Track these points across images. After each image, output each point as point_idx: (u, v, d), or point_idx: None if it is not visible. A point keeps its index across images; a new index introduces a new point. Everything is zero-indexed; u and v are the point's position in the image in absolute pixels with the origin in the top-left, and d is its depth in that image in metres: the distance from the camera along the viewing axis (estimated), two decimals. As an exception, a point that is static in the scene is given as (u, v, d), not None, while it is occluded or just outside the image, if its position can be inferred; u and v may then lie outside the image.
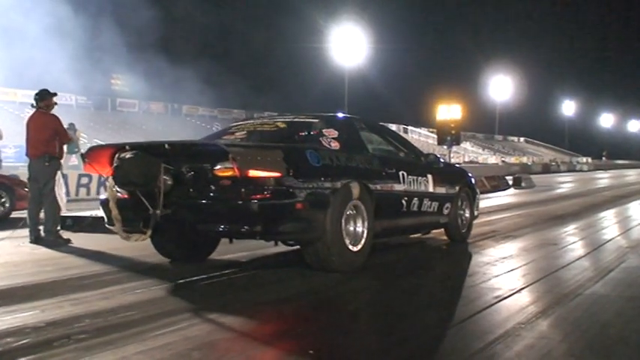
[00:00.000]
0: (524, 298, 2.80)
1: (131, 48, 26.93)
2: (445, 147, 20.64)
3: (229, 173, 2.77)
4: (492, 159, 50.79)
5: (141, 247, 3.49)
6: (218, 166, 2.81)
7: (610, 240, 5.05)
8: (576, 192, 14.69)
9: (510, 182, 16.00)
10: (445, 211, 4.38)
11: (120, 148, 3.05)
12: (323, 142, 3.37)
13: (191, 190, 2.91)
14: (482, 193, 11.02)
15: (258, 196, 2.75)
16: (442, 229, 4.63)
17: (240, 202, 2.76)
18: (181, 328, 2.22)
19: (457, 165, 9.58)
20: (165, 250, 3.58)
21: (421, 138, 50.54)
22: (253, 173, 2.78)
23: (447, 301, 2.80)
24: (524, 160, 52.71)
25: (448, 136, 17.72)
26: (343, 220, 3.15)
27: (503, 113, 64.04)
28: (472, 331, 2.27)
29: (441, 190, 4.33)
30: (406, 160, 4.19)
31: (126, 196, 3.09)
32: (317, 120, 3.63)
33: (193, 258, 3.60)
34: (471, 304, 2.62)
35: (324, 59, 38.16)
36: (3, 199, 6.50)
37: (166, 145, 2.92)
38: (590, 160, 63.13)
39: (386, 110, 52.42)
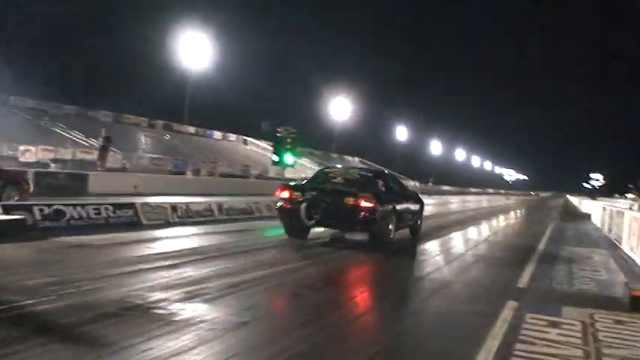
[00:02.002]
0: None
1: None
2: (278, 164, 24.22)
3: (352, 202, 8.02)
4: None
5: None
6: (348, 199, 8.08)
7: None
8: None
9: None
10: (415, 218, 10.24)
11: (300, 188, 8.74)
12: (378, 186, 8.91)
13: (332, 209, 8.04)
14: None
15: (363, 214, 7.90)
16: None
17: (357, 216, 7.91)
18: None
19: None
20: (294, 234, 8.62)
21: (259, 150, 57.25)
22: (363, 204, 7.96)
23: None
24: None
25: (283, 151, 21.61)
26: (391, 223, 8.62)
27: (341, 133, 78.28)
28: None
29: (415, 207, 10.19)
30: (403, 193, 10.00)
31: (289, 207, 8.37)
32: (372, 174, 9.53)
33: (303, 238, 8.64)
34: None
35: (168, 63, 46.22)
36: (13, 192, 9.78)
37: (328, 190, 8.42)
38: (417, 184, 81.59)
39: (229, 119, 60.74)
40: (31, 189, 11.08)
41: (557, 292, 5.89)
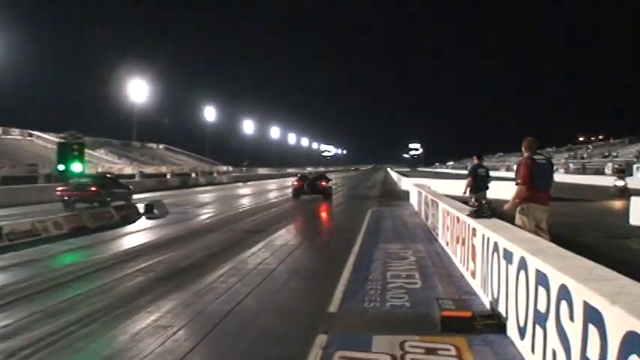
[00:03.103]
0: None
1: None
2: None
3: (325, 183, 27.24)
4: (129, 169, 60.05)
5: None
6: (321, 182, 27.07)
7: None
8: (216, 220, 17.80)
9: (142, 210, 18.73)
10: (328, 189, 28.47)
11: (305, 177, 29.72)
12: (327, 175, 30.30)
13: (311, 186, 26.78)
14: (109, 227, 14.82)
15: (322, 187, 26.97)
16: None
17: (323, 189, 26.85)
18: None
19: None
20: (296, 196, 27.18)
21: (48, 145, 54.31)
22: (323, 184, 27.09)
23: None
24: (164, 169, 64.89)
25: (70, 159, 20.69)
26: (330, 191, 28.35)
27: (143, 118, 75.70)
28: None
29: (326, 183, 28.45)
30: (327, 177, 30.00)
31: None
32: (323, 173, 36.79)
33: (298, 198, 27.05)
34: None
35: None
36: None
37: (308, 176, 29.75)
38: (230, 169, 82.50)
39: (9, 113, 56.00)
40: None
41: (370, 314, 6.25)
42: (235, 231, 14.91)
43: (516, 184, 7.73)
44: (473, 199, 8.56)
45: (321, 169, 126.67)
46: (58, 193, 21.83)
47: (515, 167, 8.53)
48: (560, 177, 50.31)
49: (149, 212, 18.96)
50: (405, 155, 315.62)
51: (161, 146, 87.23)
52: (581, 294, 3.40)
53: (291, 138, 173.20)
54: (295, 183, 27.65)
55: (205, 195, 34.58)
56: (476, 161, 13.45)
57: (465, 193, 12.85)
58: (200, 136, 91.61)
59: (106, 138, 71.60)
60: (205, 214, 20.71)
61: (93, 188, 22.03)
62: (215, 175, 66.58)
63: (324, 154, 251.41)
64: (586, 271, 3.83)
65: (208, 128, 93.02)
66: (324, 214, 20.73)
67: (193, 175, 61.24)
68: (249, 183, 58.09)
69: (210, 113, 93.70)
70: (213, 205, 26.09)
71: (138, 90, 69.69)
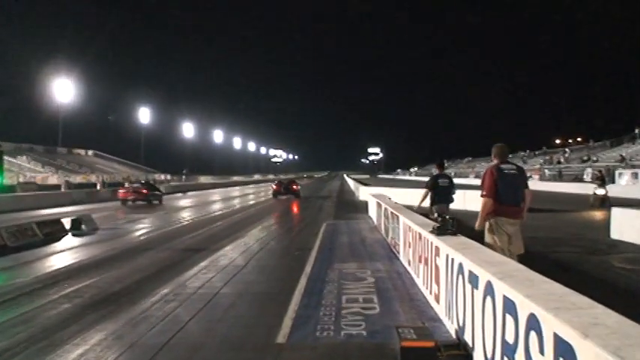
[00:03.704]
0: None
1: None
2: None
3: (296, 187, 43.20)
4: (54, 178, 58.61)
5: None
6: (293, 186, 43.32)
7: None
8: (152, 237, 17.60)
9: (68, 226, 18.36)
10: (296, 191, 44.68)
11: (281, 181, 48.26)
12: (297, 181, 52.40)
13: (286, 189, 42.45)
14: (32, 246, 14.46)
15: (294, 189, 42.84)
16: None
17: (295, 191, 42.55)
18: None
19: None
20: (276, 197, 41.81)
21: None
22: (294, 187, 43.15)
23: None
24: (94, 178, 63.48)
25: None
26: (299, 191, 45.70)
27: (70, 122, 74.37)
28: None
29: (296, 187, 45.48)
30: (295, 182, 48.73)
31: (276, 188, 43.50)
32: (293, 179, 60.41)
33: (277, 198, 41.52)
34: None
35: None
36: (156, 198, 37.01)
37: (283, 181, 47.75)
38: (169, 177, 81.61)
39: None
40: None
41: (322, 345, 6.22)
42: (174, 249, 14.73)
43: (481, 197, 7.79)
44: (435, 213, 8.61)
45: (270, 176, 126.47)
46: (120, 195, 36.10)
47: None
48: (534, 185, 51.06)
49: (76, 229, 18.59)
50: (364, 160, 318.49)
51: (90, 152, 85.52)
52: (551, 325, 3.42)
53: (237, 142, 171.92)
54: (274, 187, 44.72)
55: (140, 208, 34.03)
56: (436, 170, 13.53)
57: (419, 206, 12.83)
58: (135, 141, 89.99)
59: (29, 144, 69.70)
60: (140, 230, 20.37)
61: (144, 191, 36.71)
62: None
63: (273, 159, 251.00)
64: (557, 298, 3.87)
65: (144, 132, 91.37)
66: (274, 228, 20.60)
67: (127, 184, 60.05)
68: (189, 194, 57.49)
69: (145, 115, 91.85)
70: (149, 219, 25.64)
71: (63, 90, 68.04)
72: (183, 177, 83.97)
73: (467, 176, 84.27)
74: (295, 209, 31.26)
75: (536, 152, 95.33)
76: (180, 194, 55.74)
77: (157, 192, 38.64)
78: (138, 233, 19.37)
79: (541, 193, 37.86)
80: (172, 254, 13.80)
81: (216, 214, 28.34)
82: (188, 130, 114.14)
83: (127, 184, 52.02)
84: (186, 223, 23.53)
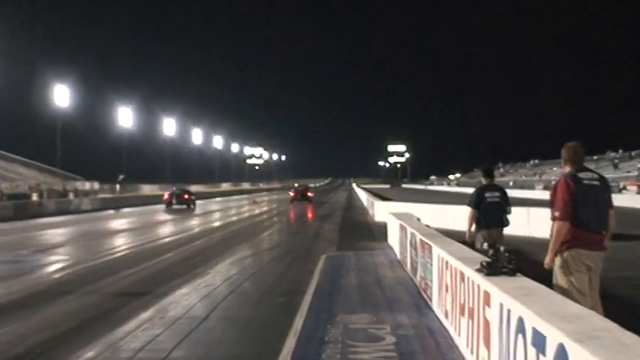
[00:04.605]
0: None
1: None
2: None
3: (310, 194, 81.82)
4: None
5: None
6: (307, 193, 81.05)
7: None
8: (71, 275, 17.88)
9: None
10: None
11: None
12: (310, 186, 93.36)
13: (301, 195, 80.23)
14: None
15: (308, 196, 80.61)
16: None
17: (309, 197, 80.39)
18: None
19: None
20: (294, 203, 77.12)
21: None
22: (309, 194, 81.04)
23: None
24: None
25: None
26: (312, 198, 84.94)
27: None
28: None
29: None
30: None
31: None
32: (307, 185, 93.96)
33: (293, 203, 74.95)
34: None
35: None
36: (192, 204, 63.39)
37: (298, 188, 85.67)
38: (97, 186, 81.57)
39: None
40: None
41: None
42: (102, 293, 14.77)
43: (552, 219, 7.75)
44: (484, 243, 8.57)
45: (245, 185, 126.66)
46: (165, 198, 61.13)
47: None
48: (626, 200, 50.76)
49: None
50: (382, 163, 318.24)
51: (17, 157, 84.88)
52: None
53: (197, 137, 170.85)
54: (291, 194, 77.80)
55: (55, 230, 34.28)
56: (483, 180, 13.49)
57: (470, 234, 12.84)
58: (48, 134, 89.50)
59: None
60: (54, 265, 20.47)
61: (186, 196, 61.86)
62: (71, 196, 65.56)
63: (250, 161, 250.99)
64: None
65: (60, 121, 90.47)
66: (248, 261, 20.62)
67: (35, 196, 60.12)
68: (125, 210, 57.47)
69: (61, 96, 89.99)
70: (67, 247, 25.94)
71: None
72: (118, 186, 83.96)
73: (532, 187, 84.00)
74: (280, 235, 31.27)
75: (632, 153, 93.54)
76: (112, 211, 55.85)
77: (193, 197, 64.00)
78: (51, 269, 19.47)
79: (633, 212, 37.72)
80: (100, 300, 13.84)
81: (164, 240, 28.53)
82: (126, 118, 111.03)
83: (35, 196, 52.04)
84: (121, 254, 23.59)
